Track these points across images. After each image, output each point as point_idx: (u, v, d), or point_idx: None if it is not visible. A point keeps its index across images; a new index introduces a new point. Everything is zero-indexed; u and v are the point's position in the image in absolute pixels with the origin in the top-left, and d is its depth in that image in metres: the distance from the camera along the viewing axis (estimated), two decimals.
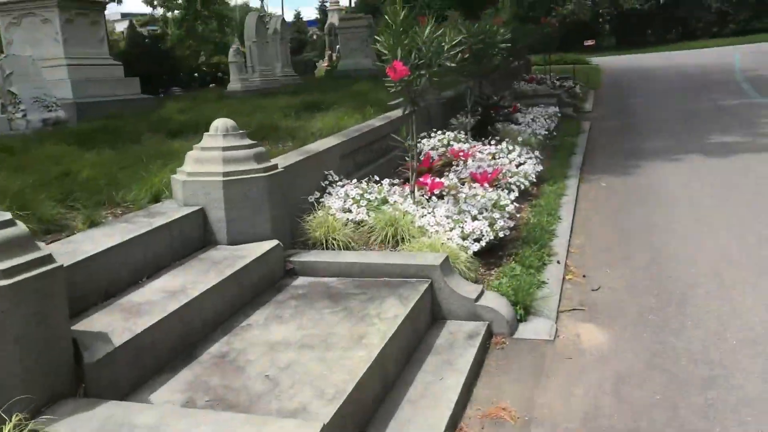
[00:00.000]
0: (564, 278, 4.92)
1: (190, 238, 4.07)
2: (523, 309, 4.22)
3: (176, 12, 30.80)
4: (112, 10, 48.85)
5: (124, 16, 50.45)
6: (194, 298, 3.38)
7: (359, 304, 3.77)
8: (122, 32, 35.23)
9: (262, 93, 11.97)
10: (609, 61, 30.37)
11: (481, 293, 4.13)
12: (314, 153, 5.43)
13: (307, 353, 3.20)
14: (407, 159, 5.44)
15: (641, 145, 10.37)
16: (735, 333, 3.85)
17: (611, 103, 16.18)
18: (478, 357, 3.71)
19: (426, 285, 4.01)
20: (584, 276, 4.98)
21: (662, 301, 4.40)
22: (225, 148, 4.23)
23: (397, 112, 5.43)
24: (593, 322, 4.18)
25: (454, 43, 5.05)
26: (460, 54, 5.25)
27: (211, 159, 4.21)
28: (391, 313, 3.61)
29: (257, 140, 6.88)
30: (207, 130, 7.45)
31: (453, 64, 5.14)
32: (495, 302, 4.08)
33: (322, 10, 49.84)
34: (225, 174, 4.15)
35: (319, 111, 8.58)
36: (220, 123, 4.33)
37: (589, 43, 31.51)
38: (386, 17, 5.13)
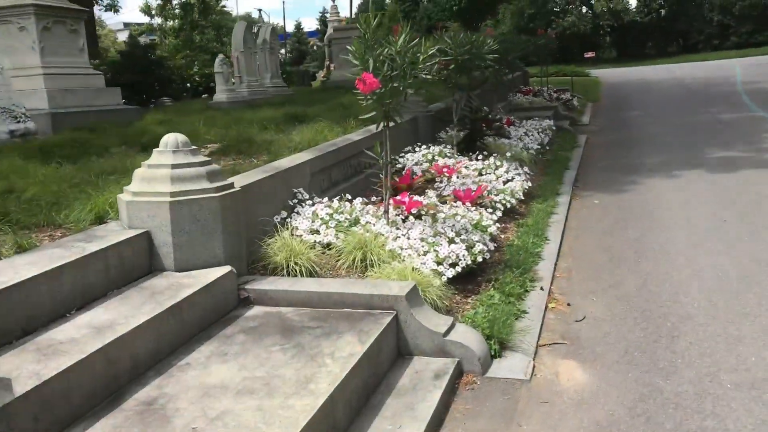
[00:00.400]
0: (547, 307, 4.55)
1: (133, 265, 3.72)
2: (499, 343, 3.86)
3: (174, 22, 30.72)
4: (114, 20, 48.89)
5: (127, 25, 50.39)
6: (123, 335, 3.02)
7: (313, 340, 3.41)
8: (124, 42, 35.08)
9: (248, 104, 11.63)
10: (609, 74, 30.09)
11: (452, 326, 3.76)
12: (282, 170, 5.09)
13: (244, 400, 2.83)
14: (382, 176, 5.08)
15: (638, 159, 10.02)
16: (730, 374, 3.47)
17: (609, 116, 15.85)
18: (444, 400, 3.34)
19: (390, 318, 3.65)
20: (569, 304, 4.62)
21: (651, 334, 4.03)
22: (174, 166, 3.87)
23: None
24: (575, 359, 3.81)
25: (429, 53, 4.70)
26: (437, 65, 4.90)
27: (159, 177, 3.86)
28: (346, 351, 3.25)
29: (231, 154, 6.63)
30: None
31: (429, 76, 4.79)
32: (466, 337, 3.72)
33: (323, 21, 49.75)
34: (173, 194, 3.79)
35: (300, 124, 8.24)
36: (170, 138, 3.98)
37: (590, 55, 31.26)
38: (358, 25, 4.81)
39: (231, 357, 3.26)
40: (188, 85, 18.77)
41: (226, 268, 3.85)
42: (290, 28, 55.11)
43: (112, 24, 51.94)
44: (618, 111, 16.63)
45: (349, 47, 4.97)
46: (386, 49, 4.71)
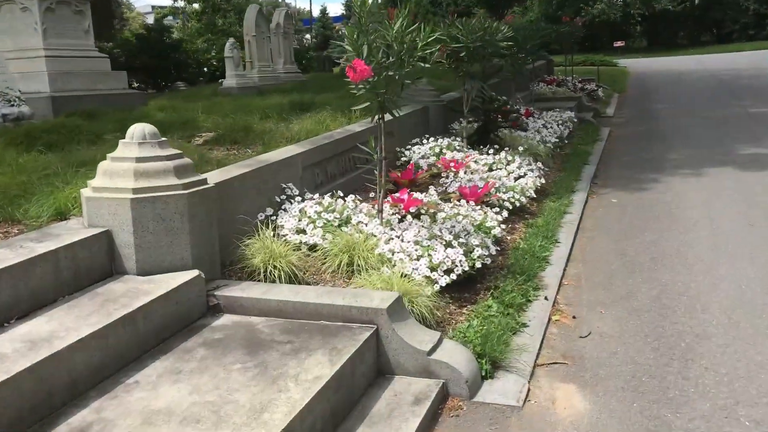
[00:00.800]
0: (550, 319, 4.16)
1: (89, 268, 3.39)
2: (491, 362, 3.48)
3: (196, 5, 30.51)
4: (143, 2, 48.89)
5: (155, 9, 50.34)
6: (60, 351, 2.70)
7: (279, 358, 3.06)
8: (146, 25, 34.94)
9: (258, 90, 11.29)
10: (638, 64, 29.31)
11: (438, 343, 3.40)
12: (269, 163, 4.74)
13: (188, 431, 2.50)
14: (376, 172, 4.71)
15: (662, 155, 9.52)
16: (749, 409, 3.06)
17: (635, 107, 15.27)
18: (423, 429, 2.98)
19: (369, 333, 3.29)
20: (574, 317, 4.22)
21: (663, 356, 3.62)
22: (138, 159, 3.54)
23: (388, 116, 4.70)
24: (575, 382, 3.42)
25: (428, 39, 4.30)
26: (438, 52, 4.51)
27: (122, 172, 3.53)
28: (312, 374, 2.89)
29: (225, 144, 6.29)
30: (174, 131, 6.84)
31: (427, 65, 4.40)
32: (454, 355, 3.35)
33: (348, 6, 49.25)
34: (135, 190, 3.46)
35: (305, 112, 7.88)
36: (136, 128, 3.64)
37: (619, 44, 30.56)
38: (353, 7, 4.43)
39: (185, 376, 2.92)
40: (205, 69, 18.47)
41: (194, 273, 3.52)
42: (316, 13, 54.74)
43: (140, 6, 51.95)
44: (645, 102, 16.04)
45: (345, 31, 4.60)
46: (385, 34, 4.34)
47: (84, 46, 9.76)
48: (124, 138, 6.39)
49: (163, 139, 3.71)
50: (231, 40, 12.22)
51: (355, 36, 4.31)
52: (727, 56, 30.35)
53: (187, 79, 17.42)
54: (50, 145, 5.84)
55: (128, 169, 3.51)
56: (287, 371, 2.92)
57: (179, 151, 3.73)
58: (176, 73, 17.38)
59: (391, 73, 4.29)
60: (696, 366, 3.48)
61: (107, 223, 3.50)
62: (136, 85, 15.31)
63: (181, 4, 34.91)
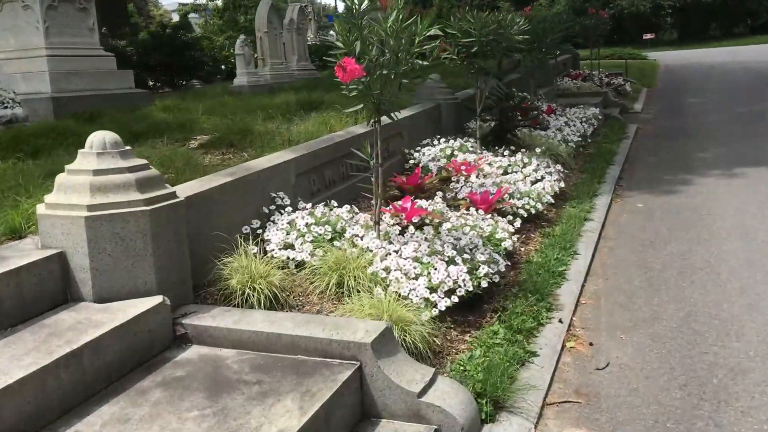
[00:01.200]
0: (563, 347, 3.72)
1: (38, 295, 3.02)
2: (493, 403, 3.05)
3: (218, 2, 30.34)
4: (171, 0, 48.96)
5: (180, 6, 50.43)
6: None
7: (244, 402, 2.66)
8: (161, 22, 34.83)
9: (270, 88, 10.92)
10: (669, 57, 28.48)
11: (431, 382, 2.96)
12: (256, 171, 4.34)
13: None
14: (373, 179, 4.29)
15: (692, 154, 8.97)
16: None
17: (665, 103, 14.64)
18: None
19: (350, 372, 2.88)
20: (591, 344, 3.77)
21: (691, 395, 3.16)
22: (96, 172, 3.16)
23: (387, 119, 4.28)
24: (588, 427, 2.98)
25: (426, 34, 3.86)
26: (437, 47, 4.08)
27: (77, 186, 3.15)
28: (277, 426, 2.48)
29: (222, 147, 5.91)
30: (171, 134, 6.48)
31: (425, 62, 3.97)
32: (448, 397, 2.91)
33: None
34: (90, 207, 3.07)
35: (313, 111, 7.50)
36: (96, 137, 3.27)
37: (648, 36, 29.70)
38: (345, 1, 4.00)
39: (132, 425, 2.53)
40: (222, 67, 18.16)
41: (157, 299, 3.13)
42: (341, 8, 54.29)
43: (167, 4, 52.07)
44: (675, 97, 15.40)
45: (335, 26, 4.19)
46: (380, 28, 3.92)
47: (88, 45, 9.46)
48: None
49: (127, 148, 3.32)
50: (242, 36, 11.85)
51: (346, 31, 3.89)
52: (762, 48, 29.36)
53: (203, 77, 17.12)
54: (36, 151, 5.53)
55: (84, 183, 3.14)
56: (249, 422, 2.52)
57: (144, 162, 3.34)
58: (192, 70, 17.07)
59: (385, 72, 3.87)
60: (730, 410, 3.01)
61: (61, 243, 3.12)
62: (151, 83, 15.02)
63: (203, 0, 34.78)
